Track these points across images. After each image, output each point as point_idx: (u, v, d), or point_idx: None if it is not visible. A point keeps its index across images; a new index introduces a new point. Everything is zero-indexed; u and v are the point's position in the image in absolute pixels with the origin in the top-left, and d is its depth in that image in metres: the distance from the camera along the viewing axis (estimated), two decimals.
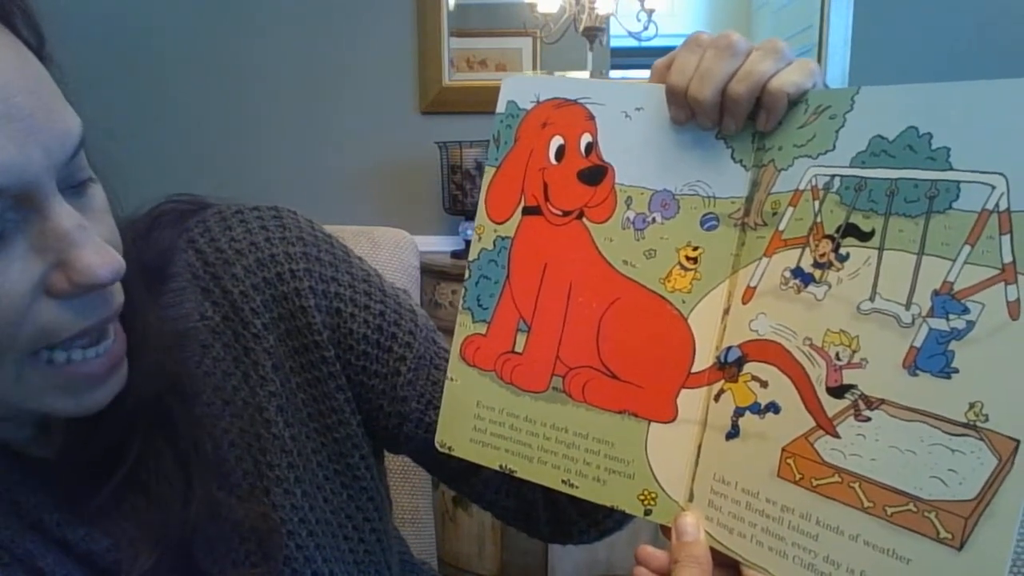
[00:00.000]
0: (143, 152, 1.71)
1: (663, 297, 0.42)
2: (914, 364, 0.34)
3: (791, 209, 0.39)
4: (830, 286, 0.37)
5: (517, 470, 0.46)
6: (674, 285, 0.42)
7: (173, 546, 0.43)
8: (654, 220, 0.43)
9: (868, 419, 0.35)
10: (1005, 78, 0.32)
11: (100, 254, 0.35)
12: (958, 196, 0.33)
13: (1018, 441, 0.30)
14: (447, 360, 0.50)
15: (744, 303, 0.40)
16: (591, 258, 0.44)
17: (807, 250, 0.38)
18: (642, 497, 0.43)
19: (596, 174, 0.44)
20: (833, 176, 0.37)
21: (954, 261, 0.33)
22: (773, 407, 0.38)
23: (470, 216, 1.63)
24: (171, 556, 0.43)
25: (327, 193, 1.90)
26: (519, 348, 0.46)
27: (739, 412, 0.39)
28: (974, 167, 0.33)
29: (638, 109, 0.43)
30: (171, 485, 0.44)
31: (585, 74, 1.84)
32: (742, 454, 0.39)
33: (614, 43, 1.89)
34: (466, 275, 0.48)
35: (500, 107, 0.46)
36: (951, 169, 0.33)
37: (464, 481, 0.58)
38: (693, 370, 0.42)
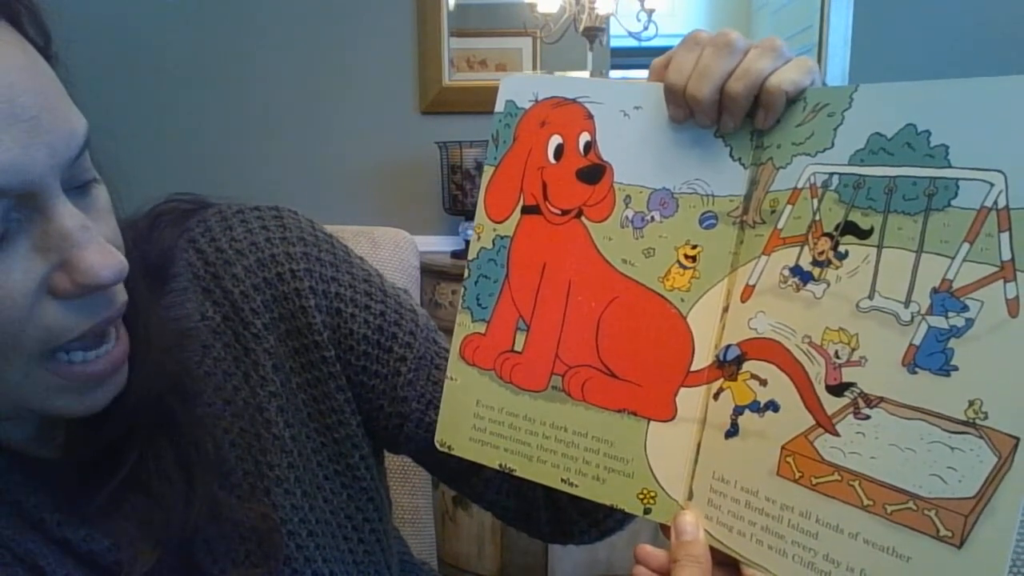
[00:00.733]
0: (144, 152, 1.72)
1: (662, 296, 0.42)
2: (913, 362, 0.33)
3: (790, 207, 0.39)
4: (829, 284, 0.37)
5: (516, 469, 0.46)
6: (673, 284, 0.42)
7: (174, 546, 0.43)
8: (653, 219, 0.43)
9: (867, 417, 0.35)
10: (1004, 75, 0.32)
11: (103, 255, 0.35)
12: (957, 193, 0.33)
13: (1018, 439, 0.30)
14: (448, 360, 0.50)
15: (743, 301, 0.40)
16: (590, 257, 0.44)
17: (806, 248, 0.38)
18: (641, 496, 0.43)
19: (595, 173, 0.44)
20: (832, 174, 0.37)
21: (953, 259, 0.33)
22: (772, 405, 0.38)
23: (470, 216, 1.63)
24: (172, 556, 0.43)
25: (327, 193, 1.90)
26: (518, 347, 0.46)
27: (738, 410, 0.39)
28: (972, 164, 0.33)
29: (636, 108, 0.43)
30: (172, 485, 0.44)
31: (585, 74, 1.84)
32: (741, 453, 0.39)
33: (614, 43, 1.89)
34: (465, 274, 0.48)
35: (499, 106, 0.46)
36: (950, 167, 0.33)
37: (465, 481, 0.58)
38: (692, 369, 0.42)
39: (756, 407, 0.39)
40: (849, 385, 0.35)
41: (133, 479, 0.43)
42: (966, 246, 0.33)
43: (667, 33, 1.85)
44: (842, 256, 0.36)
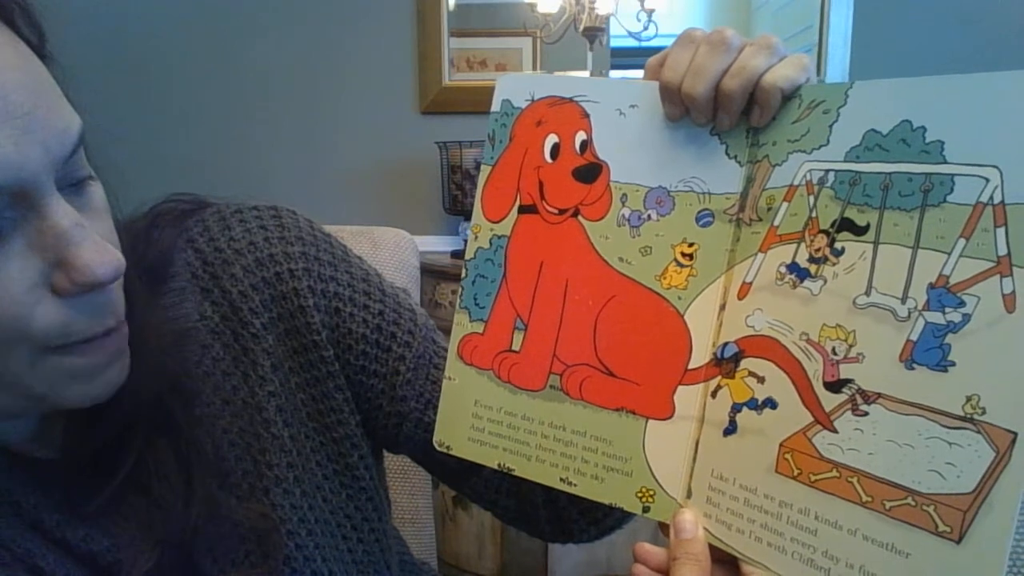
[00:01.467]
0: (143, 152, 1.71)
1: (659, 294, 0.42)
2: (911, 358, 0.33)
3: (786, 204, 0.39)
4: (826, 281, 0.37)
5: (515, 469, 0.46)
6: (670, 282, 0.42)
7: (173, 546, 0.43)
8: (649, 217, 0.43)
9: (865, 413, 0.35)
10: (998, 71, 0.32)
11: (99, 252, 0.35)
12: (952, 189, 0.33)
13: (1015, 433, 0.30)
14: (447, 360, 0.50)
15: (740, 299, 0.40)
16: (587, 256, 0.44)
17: (802, 245, 0.38)
18: (640, 494, 0.43)
19: (591, 172, 0.44)
20: (827, 171, 0.37)
21: (949, 254, 0.33)
22: (770, 403, 0.38)
23: (470, 216, 1.63)
24: (171, 556, 0.43)
25: (327, 193, 1.90)
26: (516, 347, 0.46)
27: (736, 408, 0.39)
28: (968, 160, 0.33)
29: (632, 106, 0.43)
30: (171, 485, 0.44)
31: (585, 74, 1.84)
32: (740, 450, 0.39)
33: (614, 43, 1.89)
34: (463, 274, 0.48)
35: (495, 106, 0.46)
36: (945, 162, 0.33)
37: (464, 481, 0.58)
38: (690, 367, 0.42)
39: (754, 404, 0.39)
40: (847, 382, 0.35)
41: (132, 479, 0.43)
42: (962, 242, 0.32)
43: (667, 33, 1.85)
44: (839, 253, 0.36)
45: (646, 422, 0.42)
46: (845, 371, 0.36)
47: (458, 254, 1.70)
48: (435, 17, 1.81)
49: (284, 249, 0.51)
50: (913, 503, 0.33)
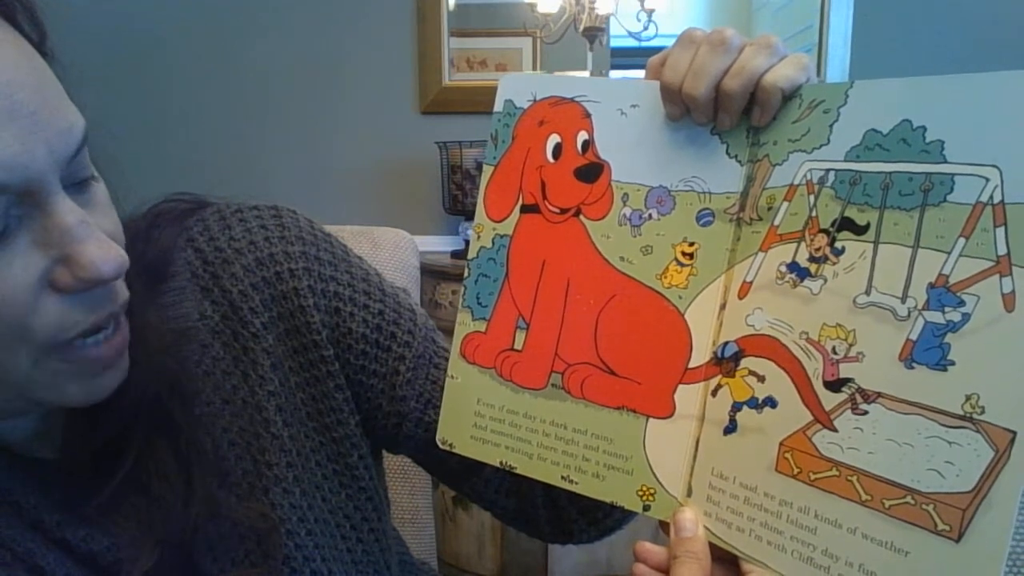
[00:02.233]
0: (143, 152, 1.71)
1: (660, 293, 0.42)
2: (910, 357, 0.34)
3: (786, 204, 0.39)
4: (826, 280, 0.37)
5: (517, 467, 0.46)
6: (671, 281, 0.42)
7: (173, 545, 0.43)
8: (650, 216, 0.43)
9: (865, 412, 0.35)
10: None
11: (103, 249, 0.35)
12: (952, 189, 0.33)
13: (1014, 432, 0.30)
14: (446, 359, 0.50)
15: (740, 298, 0.40)
16: (588, 255, 0.44)
17: (803, 244, 0.38)
18: (641, 493, 0.43)
19: (592, 171, 0.44)
20: (828, 170, 0.37)
21: (949, 254, 0.33)
22: (770, 401, 0.38)
23: (470, 216, 1.63)
24: (171, 555, 0.43)
25: (327, 193, 1.90)
26: (518, 345, 0.46)
27: (736, 407, 0.39)
28: (968, 160, 0.33)
29: (633, 106, 0.43)
30: (171, 485, 0.44)
31: (585, 74, 1.84)
32: (740, 449, 0.39)
33: (614, 43, 1.89)
34: (465, 273, 0.48)
35: (497, 106, 0.47)
36: (945, 162, 0.33)
37: (464, 481, 0.58)
38: (690, 365, 0.42)
39: (754, 403, 0.39)
40: (846, 381, 0.36)
41: (132, 479, 0.43)
42: (962, 241, 0.33)
43: (667, 33, 1.85)
44: (839, 252, 0.37)
45: (647, 420, 0.43)
46: (845, 370, 0.36)
47: (458, 254, 1.70)
48: (435, 17, 1.81)
49: (284, 248, 0.51)
50: (912, 502, 0.33)
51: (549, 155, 0.45)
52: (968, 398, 0.32)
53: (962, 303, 0.32)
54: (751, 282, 0.40)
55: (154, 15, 1.89)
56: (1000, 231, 0.32)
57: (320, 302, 0.51)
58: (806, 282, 0.38)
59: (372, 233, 0.88)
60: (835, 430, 0.36)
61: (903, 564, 0.33)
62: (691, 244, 0.42)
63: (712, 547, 0.40)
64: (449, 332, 0.49)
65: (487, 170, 0.47)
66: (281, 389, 0.50)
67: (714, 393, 0.41)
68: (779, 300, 0.38)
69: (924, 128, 0.34)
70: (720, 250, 0.41)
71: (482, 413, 0.47)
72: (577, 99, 0.44)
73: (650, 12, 1.81)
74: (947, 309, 0.33)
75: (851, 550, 0.35)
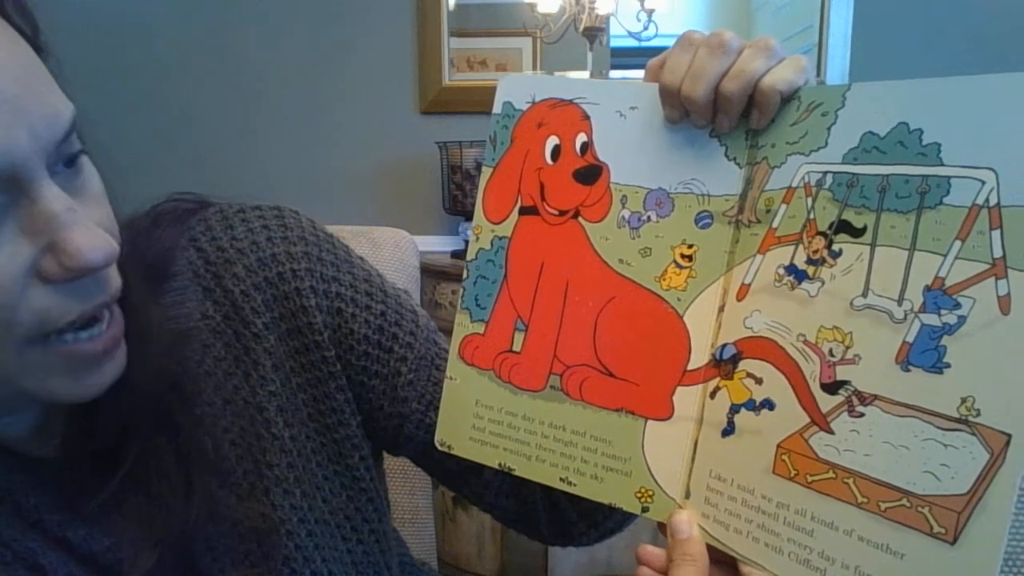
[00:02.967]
0: (143, 152, 1.72)
1: (659, 295, 0.43)
2: (907, 359, 0.34)
3: (784, 206, 0.39)
4: (823, 282, 0.37)
5: (515, 468, 0.46)
6: (669, 283, 0.42)
7: (173, 545, 0.43)
8: (649, 218, 0.43)
9: (862, 415, 0.35)
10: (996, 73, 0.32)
11: (90, 237, 0.35)
12: (949, 191, 0.33)
13: (1009, 435, 0.31)
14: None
15: (739, 300, 0.40)
16: (587, 257, 0.44)
17: (800, 247, 0.38)
18: (639, 494, 0.43)
19: (591, 173, 0.44)
20: (825, 173, 0.37)
21: (945, 256, 0.33)
22: (768, 404, 0.38)
23: (470, 216, 1.63)
24: (171, 555, 0.43)
25: (327, 193, 1.91)
26: (517, 347, 0.46)
27: (735, 409, 0.40)
28: (964, 162, 0.33)
29: (632, 108, 0.43)
30: (171, 484, 0.44)
31: (585, 74, 1.84)
32: (738, 451, 0.39)
33: (614, 43, 1.89)
34: (464, 275, 0.48)
35: (496, 107, 0.47)
36: (942, 165, 0.34)
37: (464, 483, 0.58)
38: (689, 368, 0.42)
39: (752, 406, 0.39)
40: (843, 383, 0.36)
41: (133, 478, 0.43)
42: (958, 244, 0.33)
43: (667, 33, 1.85)
44: (836, 254, 0.37)
45: (645, 422, 0.43)
46: (842, 372, 0.36)
47: (458, 254, 1.70)
48: (435, 17, 1.81)
49: (287, 249, 0.51)
50: (908, 504, 0.33)
51: (548, 157, 0.45)
52: (964, 401, 0.32)
53: (958, 306, 0.32)
54: (749, 284, 0.40)
55: (154, 15, 1.89)
56: (996, 234, 0.32)
57: (322, 303, 0.51)
58: (804, 284, 0.38)
59: (372, 233, 0.88)
60: (832, 432, 0.36)
61: (899, 566, 0.33)
62: (690, 246, 0.42)
63: (711, 549, 0.40)
64: (449, 332, 0.50)
65: (486, 172, 0.47)
66: (282, 390, 0.50)
67: (712, 395, 0.41)
68: (777, 302, 0.39)
69: (921, 131, 0.34)
70: (719, 252, 0.41)
71: (481, 415, 0.47)
72: (576, 101, 0.45)
73: (650, 12, 1.81)
74: (943, 312, 0.33)
75: (847, 552, 0.35)
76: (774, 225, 0.39)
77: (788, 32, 1.88)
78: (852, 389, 0.35)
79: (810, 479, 0.36)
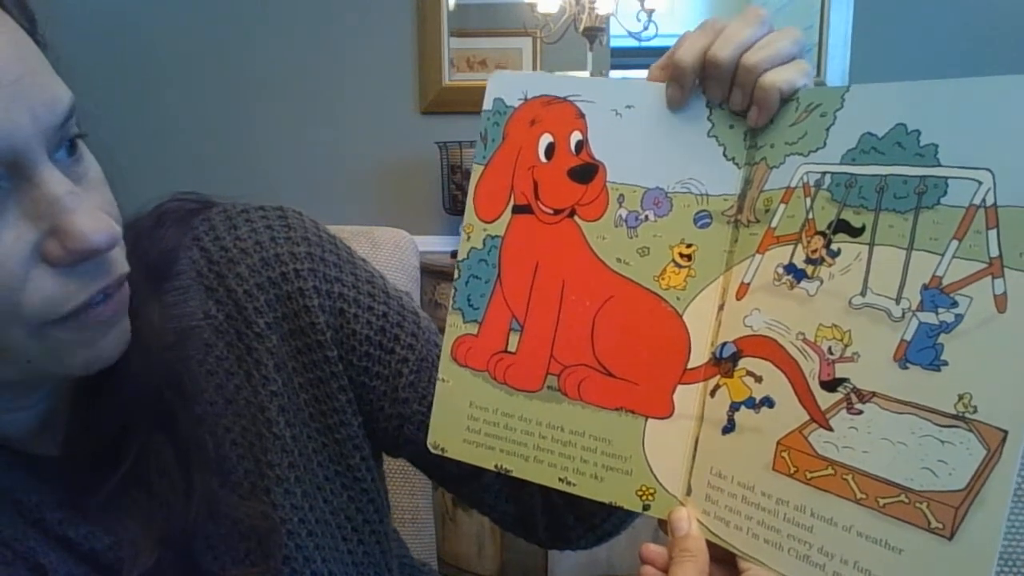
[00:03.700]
0: (143, 152, 1.72)
1: (658, 294, 0.43)
2: (904, 357, 0.34)
3: (783, 206, 0.39)
4: (822, 281, 0.37)
5: (513, 469, 0.46)
6: (668, 282, 0.42)
7: (174, 544, 0.43)
8: (647, 218, 0.43)
9: (860, 412, 0.35)
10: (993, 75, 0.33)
11: (93, 219, 0.35)
12: (946, 192, 0.33)
13: (1006, 432, 0.31)
14: None
15: (738, 299, 0.41)
16: (584, 256, 0.44)
17: (799, 246, 0.38)
18: (640, 493, 0.43)
19: (587, 172, 0.44)
20: (824, 173, 0.38)
21: (943, 256, 0.33)
22: (768, 401, 0.39)
23: None
24: (172, 554, 0.43)
25: (327, 193, 1.91)
26: (512, 348, 0.46)
27: (734, 407, 0.40)
28: (961, 163, 0.33)
29: (629, 107, 0.43)
30: (172, 483, 0.44)
31: (585, 74, 1.84)
32: (738, 448, 0.39)
33: (614, 43, 1.89)
34: (455, 275, 0.47)
35: (487, 104, 0.46)
36: (939, 165, 0.34)
37: (463, 485, 0.58)
38: (689, 366, 0.42)
39: (752, 403, 0.39)
40: (842, 381, 0.36)
41: (133, 477, 0.43)
42: (955, 243, 0.33)
43: (667, 33, 1.85)
44: (835, 254, 0.37)
45: (645, 421, 0.43)
46: (841, 370, 0.36)
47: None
48: (435, 17, 1.81)
49: (290, 249, 0.51)
50: (906, 500, 0.33)
51: (541, 155, 0.45)
52: (961, 398, 0.32)
53: (955, 304, 0.33)
54: (749, 283, 0.40)
55: (154, 16, 1.89)
56: (992, 233, 0.32)
57: (325, 303, 0.51)
58: (803, 283, 0.38)
59: (372, 233, 0.88)
60: (831, 429, 0.36)
61: (897, 562, 0.33)
62: (689, 246, 0.42)
63: (712, 547, 0.40)
64: None
65: (476, 169, 0.47)
66: (284, 389, 0.50)
67: (712, 393, 0.41)
68: (776, 301, 0.39)
69: (919, 132, 0.35)
70: (718, 252, 0.41)
71: (475, 416, 0.47)
72: (570, 99, 0.44)
73: (650, 12, 1.81)
74: (940, 310, 0.33)
75: (846, 548, 0.35)
76: (773, 225, 0.39)
77: None
78: (851, 387, 0.36)
79: (809, 476, 0.36)
